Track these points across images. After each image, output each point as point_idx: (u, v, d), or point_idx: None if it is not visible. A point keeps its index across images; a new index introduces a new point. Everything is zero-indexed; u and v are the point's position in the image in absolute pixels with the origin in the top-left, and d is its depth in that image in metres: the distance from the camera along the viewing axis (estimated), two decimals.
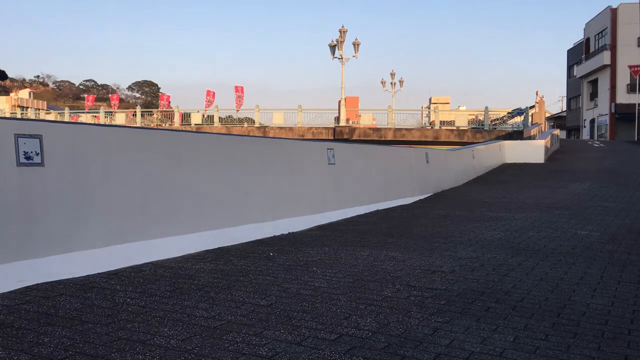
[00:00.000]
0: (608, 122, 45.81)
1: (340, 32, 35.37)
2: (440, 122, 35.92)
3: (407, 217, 7.29)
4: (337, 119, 35.78)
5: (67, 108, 51.68)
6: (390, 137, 32.68)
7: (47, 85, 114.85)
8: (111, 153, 4.28)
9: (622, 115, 43.57)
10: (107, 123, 33.56)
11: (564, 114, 62.13)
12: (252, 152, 5.83)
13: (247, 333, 2.53)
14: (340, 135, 32.66)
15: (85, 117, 43.01)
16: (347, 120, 36.99)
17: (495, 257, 4.53)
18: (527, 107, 35.84)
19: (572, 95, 57.62)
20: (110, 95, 63.13)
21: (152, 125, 38.64)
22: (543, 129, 34.97)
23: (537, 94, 43.56)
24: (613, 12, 45.60)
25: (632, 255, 4.75)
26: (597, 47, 48.60)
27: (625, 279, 3.84)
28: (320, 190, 7.16)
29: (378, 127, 34.98)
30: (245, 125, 37.17)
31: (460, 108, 55.09)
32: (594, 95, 50.02)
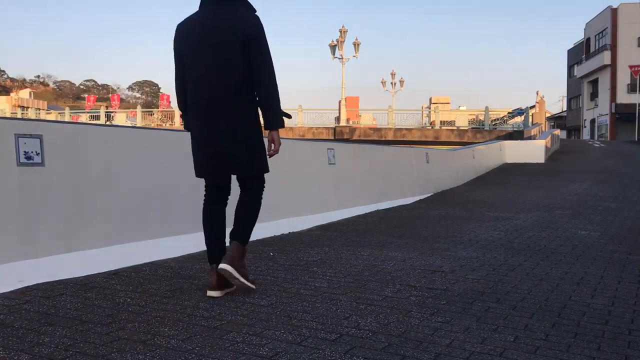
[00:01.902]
0: (608, 122, 45.82)
1: (340, 32, 35.37)
2: (441, 122, 35.95)
3: (407, 217, 7.29)
4: (338, 119, 35.78)
5: (67, 108, 51.71)
6: (390, 137, 32.69)
7: (48, 85, 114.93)
8: (111, 153, 4.28)
9: (622, 115, 43.59)
10: (107, 123, 33.53)
11: (564, 114, 62.16)
12: None
13: (247, 333, 2.53)
14: (341, 135, 32.66)
15: (85, 117, 43.03)
16: (348, 120, 37.01)
17: (495, 257, 4.53)
18: (527, 107, 35.89)
19: (573, 95, 57.64)
20: (110, 95, 63.16)
21: (152, 125, 38.64)
22: (543, 129, 34.99)
23: (537, 94, 43.55)
24: (613, 12, 45.60)
25: (633, 255, 4.75)
26: (597, 47, 48.59)
27: (626, 279, 3.84)
28: (321, 190, 7.16)
29: (378, 127, 35.00)
30: None
31: (461, 108, 55.06)
32: (594, 95, 50.03)
